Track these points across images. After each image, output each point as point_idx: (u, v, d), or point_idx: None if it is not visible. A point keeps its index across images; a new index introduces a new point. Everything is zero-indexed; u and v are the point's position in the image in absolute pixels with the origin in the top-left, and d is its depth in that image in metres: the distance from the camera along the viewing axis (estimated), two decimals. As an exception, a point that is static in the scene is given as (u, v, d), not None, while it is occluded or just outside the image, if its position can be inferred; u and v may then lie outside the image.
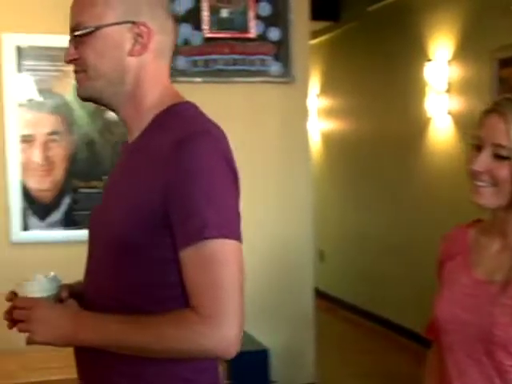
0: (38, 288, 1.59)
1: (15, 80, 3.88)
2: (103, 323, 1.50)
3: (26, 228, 3.89)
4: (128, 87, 1.60)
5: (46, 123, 3.94)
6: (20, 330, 1.57)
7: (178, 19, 3.75)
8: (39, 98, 3.92)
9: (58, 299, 1.62)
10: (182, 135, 1.49)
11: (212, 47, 4.13)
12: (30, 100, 3.91)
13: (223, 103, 4.18)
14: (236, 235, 1.47)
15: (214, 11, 4.14)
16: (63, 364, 3.61)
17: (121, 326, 1.48)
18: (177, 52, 4.04)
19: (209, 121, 1.60)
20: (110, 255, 1.58)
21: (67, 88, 3.93)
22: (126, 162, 1.64)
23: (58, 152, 3.96)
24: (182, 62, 4.08)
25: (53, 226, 3.97)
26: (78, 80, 1.64)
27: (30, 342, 1.55)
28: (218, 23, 4.16)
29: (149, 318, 1.48)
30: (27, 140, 3.90)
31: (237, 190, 1.54)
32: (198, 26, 4.11)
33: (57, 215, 3.97)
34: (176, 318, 1.46)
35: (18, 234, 3.89)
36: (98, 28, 1.54)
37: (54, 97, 3.94)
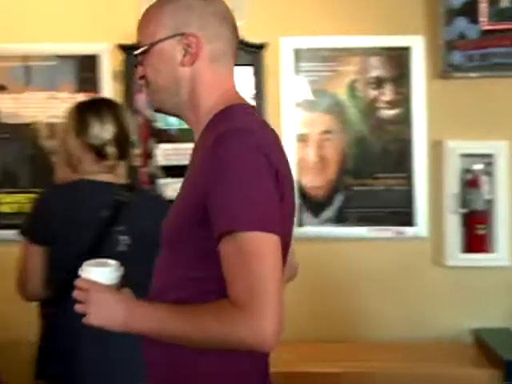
0: (102, 276, 1.66)
1: (292, 81, 4.04)
2: (150, 312, 1.56)
3: (300, 224, 4.04)
4: (185, 96, 1.69)
5: (320, 122, 4.05)
6: (78, 310, 1.66)
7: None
8: (313, 98, 4.04)
9: (118, 288, 1.70)
10: (219, 132, 1.54)
11: (489, 40, 3.94)
12: (305, 100, 4.04)
13: (501, 98, 3.97)
14: (268, 227, 1.45)
15: (493, 2, 3.94)
16: (342, 356, 3.70)
17: (164, 315, 1.53)
18: (452, 47, 3.92)
19: (252, 119, 1.65)
20: (165, 251, 1.69)
21: (340, 87, 4.01)
22: (189, 163, 1.73)
23: (331, 150, 4.05)
24: (457, 57, 3.94)
25: (325, 222, 4.07)
26: (147, 95, 1.76)
27: (86, 323, 1.64)
28: (498, 14, 3.95)
29: (191, 308, 1.52)
30: (302, 139, 4.05)
31: (274, 184, 1.52)
32: (474, 18, 3.94)
33: (329, 212, 4.07)
34: (216, 309, 1.47)
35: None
36: (151, 45, 1.66)
37: (328, 96, 4.04)
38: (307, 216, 4.06)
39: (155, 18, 1.67)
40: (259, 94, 3.98)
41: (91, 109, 2.67)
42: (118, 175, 2.68)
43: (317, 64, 4.03)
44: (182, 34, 1.65)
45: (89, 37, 4.12)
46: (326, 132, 4.05)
